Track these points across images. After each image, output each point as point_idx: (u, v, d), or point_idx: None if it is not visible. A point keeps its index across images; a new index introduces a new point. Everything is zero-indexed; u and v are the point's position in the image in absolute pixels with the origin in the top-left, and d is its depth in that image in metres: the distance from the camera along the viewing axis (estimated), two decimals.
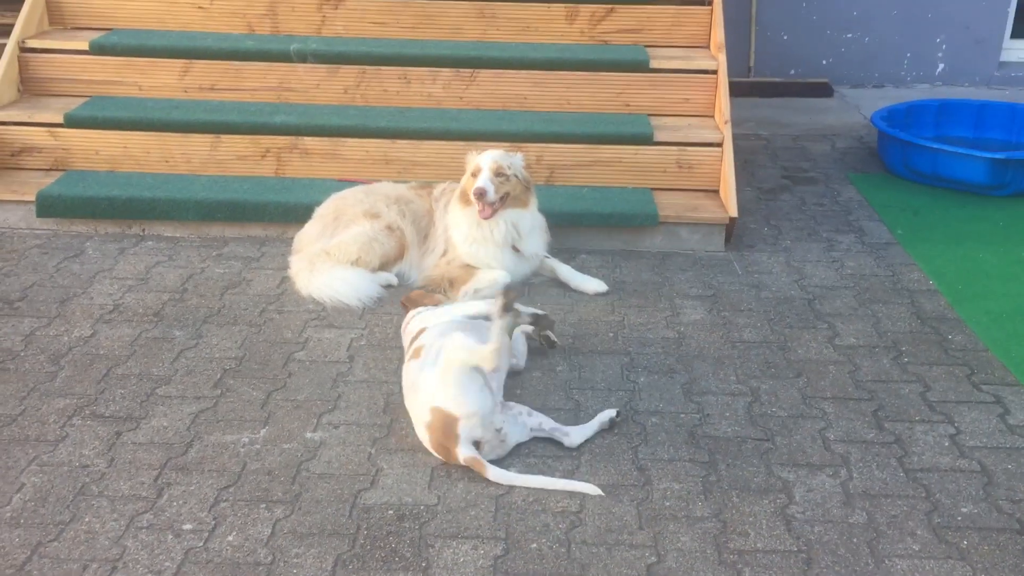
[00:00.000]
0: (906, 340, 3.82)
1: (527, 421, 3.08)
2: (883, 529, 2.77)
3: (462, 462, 2.91)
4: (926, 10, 7.27)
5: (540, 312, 3.61)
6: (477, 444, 2.92)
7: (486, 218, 4.02)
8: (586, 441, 3.11)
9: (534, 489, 2.89)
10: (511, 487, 2.89)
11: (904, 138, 5.47)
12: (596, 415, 3.20)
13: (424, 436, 3.00)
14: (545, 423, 3.10)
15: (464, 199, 4.12)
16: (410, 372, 3.14)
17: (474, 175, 4.03)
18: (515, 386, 3.42)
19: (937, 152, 5.34)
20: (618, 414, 3.21)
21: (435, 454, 2.99)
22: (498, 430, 2.96)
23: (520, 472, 2.94)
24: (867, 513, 2.83)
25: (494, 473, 2.89)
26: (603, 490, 2.89)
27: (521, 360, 3.52)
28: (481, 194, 3.95)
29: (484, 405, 2.91)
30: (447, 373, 2.90)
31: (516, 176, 4.07)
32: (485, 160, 4.03)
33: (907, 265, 4.49)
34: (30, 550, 2.61)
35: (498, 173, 4.00)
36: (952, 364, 3.65)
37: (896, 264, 4.50)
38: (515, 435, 3.04)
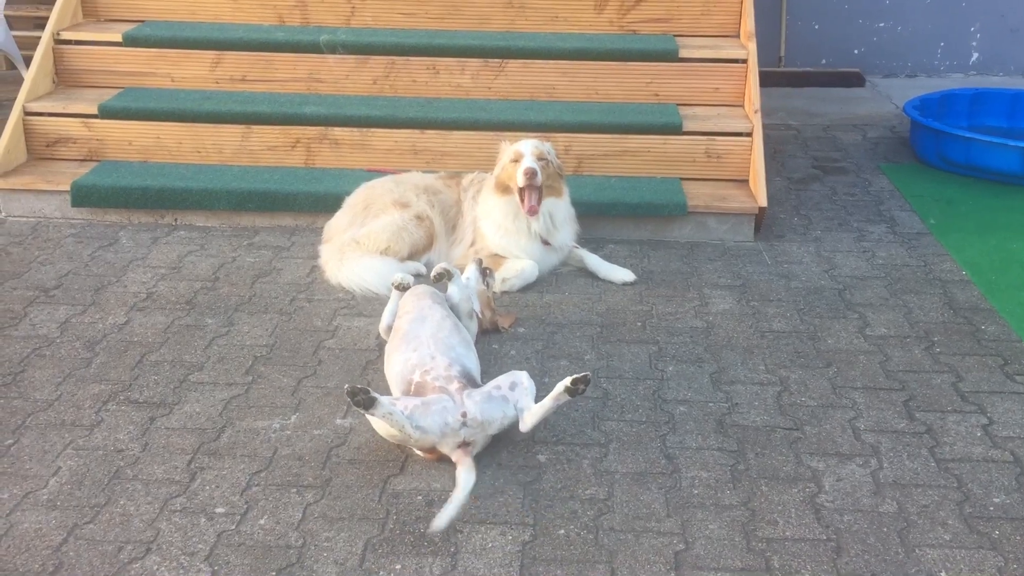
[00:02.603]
0: (938, 330, 3.78)
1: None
2: (914, 519, 2.75)
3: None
4: None
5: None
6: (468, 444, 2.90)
7: (534, 215, 4.01)
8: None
9: (563, 475, 2.90)
10: (540, 475, 2.91)
11: (937, 127, 5.42)
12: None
13: None
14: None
15: (500, 188, 4.10)
16: (390, 353, 3.32)
17: (515, 161, 4.02)
18: (543, 374, 3.43)
19: (971, 141, 5.28)
20: (575, 382, 2.84)
21: None
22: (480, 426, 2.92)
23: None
24: (897, 503, 2.81)
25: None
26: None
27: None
28: (532, 175, 3.93)
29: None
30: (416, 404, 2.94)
31: (552, 163, 4.09)
32: (526, 147, 4.03)
33: (939, 255, 4.45)
34: (66, 532, 2.66)
35: (540, 158, 4.01)
36: (985, 354, 3.61)
37: (928, 254, 4.46)
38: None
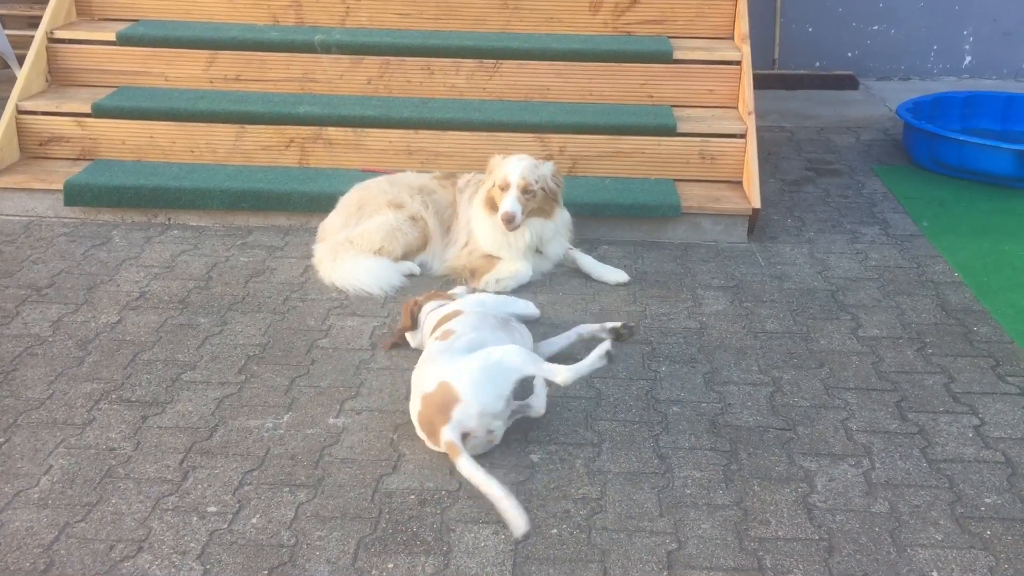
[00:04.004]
0: (930, 332, 3.79)
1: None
2: (905, 519, 2.76)
3: (441, 445, 2.85)
4: (953, 2, 7.21)
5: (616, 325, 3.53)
6: (465, 435, 2.86)
7: (511, 231, 4.01)
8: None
9: (555, 475, 2.90)
10: (533, 474, 2.91)
11: (930, 130, 5.43)
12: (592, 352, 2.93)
13: (416, 406, 2.95)
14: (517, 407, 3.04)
15: (489, 206, 4.09)
16: (430, 347, 3.14)
17: (502, 188, 3.97)
18: None
19: (963, 144, 5.30)
20: (618, 334, 3.41)
21: (417, 429, 2.96)
22: (490, 431, 2.92)
23: (484, 471, 2.76)
24: (889, 503, 2.82)
25: (464, 465, 2.76)
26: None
27: (540, 407, 3.14)
28: (509, 219, 3.92)
29: (492, 406, 2.87)
30: (485, 360, 2.90)
31: (543, 189, 4.03)
32: (513, 175, 3.96)
33: (932, 257, 4.46)
34: (58, 530, 2.65)
35: (525, 190, 3.95)
36: (977, 356, 3.62)
37: (921, 256, 4.47)
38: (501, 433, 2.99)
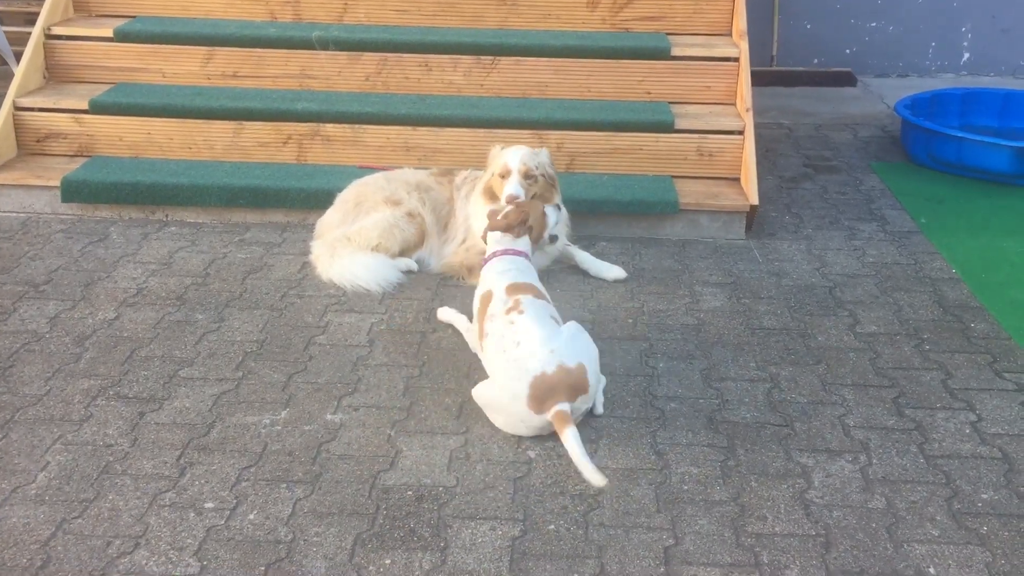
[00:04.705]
0: (928, 328, 3.80)
1: None
2: (902, 514, 2.76)
3: (551, 414, 2.93)
4: None
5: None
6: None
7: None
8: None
9: (553, 471, 2.91)
10: (531, 470, 2.91)
11: (928, 127, 5.43)
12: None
13: (537, 370, 2.95)
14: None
15: (487, 195, 4.09)
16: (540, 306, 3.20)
17: (503, 176, 3.97)
18: None
19: (961, 141, 5.30)
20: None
21: (521, 400, 2.94)
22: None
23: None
24: (886, 498, 2.82)
25: (570, 438, 2.88)
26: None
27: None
28: (514, 201, 3.91)
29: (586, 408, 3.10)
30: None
31: (543, 176, 4.05)
32: (514, 161, 3.96)
33: (930, 254, 4.46)
34: (54, 526, 2.65)
35: (527, 176, 3.95)
36: (974, 352, 3.62)
37: (919, 253, 4.47)
38: None
